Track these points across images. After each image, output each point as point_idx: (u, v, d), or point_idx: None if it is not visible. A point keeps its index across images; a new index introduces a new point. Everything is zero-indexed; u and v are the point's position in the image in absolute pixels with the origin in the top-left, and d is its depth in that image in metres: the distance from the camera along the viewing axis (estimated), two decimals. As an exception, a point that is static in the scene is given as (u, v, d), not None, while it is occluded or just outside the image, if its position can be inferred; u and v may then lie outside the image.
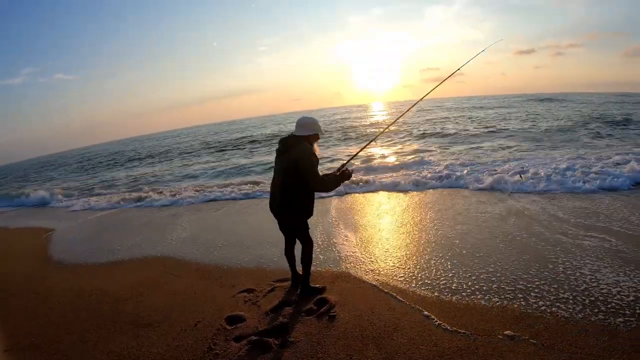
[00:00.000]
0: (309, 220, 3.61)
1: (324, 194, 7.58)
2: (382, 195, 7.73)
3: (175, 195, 10.39)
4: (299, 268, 3.89)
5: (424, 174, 8.66)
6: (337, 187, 3.53)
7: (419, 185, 7.93)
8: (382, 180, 8.49)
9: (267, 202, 3.69)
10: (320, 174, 3.45)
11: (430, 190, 7.65)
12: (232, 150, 22.81)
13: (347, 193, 7.97)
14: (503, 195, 6.67)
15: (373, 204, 7.14)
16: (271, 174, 3.89)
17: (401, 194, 7.60)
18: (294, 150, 3.35)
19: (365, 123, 31.47)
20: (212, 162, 18.34)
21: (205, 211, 8.32)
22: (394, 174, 8.94)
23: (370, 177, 8.87)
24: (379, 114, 46.87)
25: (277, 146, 3.55)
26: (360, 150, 4.43)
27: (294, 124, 3.50)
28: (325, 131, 3.62)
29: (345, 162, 3.99)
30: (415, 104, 5.11)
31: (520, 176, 6.42)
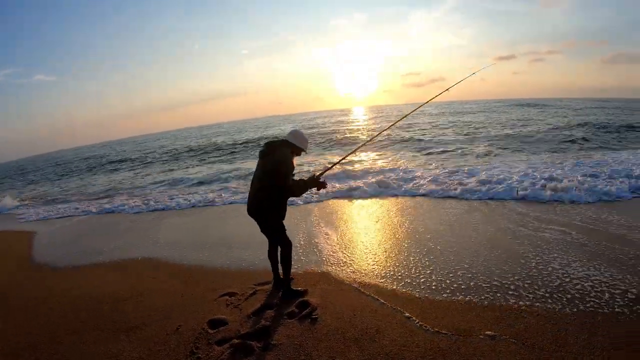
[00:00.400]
0: (284, 222, 3.64)
1: (298, 200, 7.66)
2: (357, 201, 7.72)
3: (151, 201, 10.14)
4: (282, 271, 3.87)
5: (397, 180, 8.64)
6: (307, 190, 3.61)
7: (390, 191, 8.01)
8: (357, 186, 8.50)
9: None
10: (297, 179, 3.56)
11: (403, 196, 7.69)
12: (212, 152, 22.62)
13: (323, 200, 7.90)
14: (470, 201, 6.76)
15: (349, 209, 7.15)
16: (250, 179, 3.85)
17: (375, 200, 7.65)
18: (278, 152, 3.47)
19: (350, 128, 31.53)
20: (192, 166, 18.04)
21: (185, 216, 8.17)
22: (368, 180, 8.88)
23: (347, 184, 8.89)
24: (360, 118, 47.00)
25: (262, 148, 3.54)
26: (343, 159, 4.45)
27: (274, 129, 3.53)
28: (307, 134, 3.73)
29: (325, 169, 4.04)
30: (404, 117, 5.25)
31: (517, 192, 6.64)
